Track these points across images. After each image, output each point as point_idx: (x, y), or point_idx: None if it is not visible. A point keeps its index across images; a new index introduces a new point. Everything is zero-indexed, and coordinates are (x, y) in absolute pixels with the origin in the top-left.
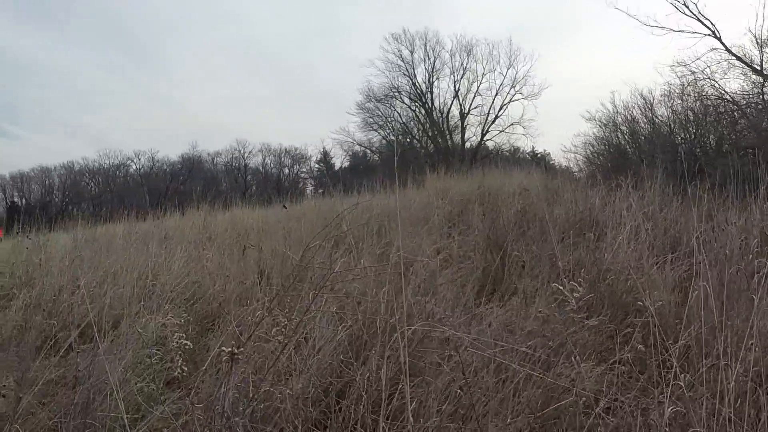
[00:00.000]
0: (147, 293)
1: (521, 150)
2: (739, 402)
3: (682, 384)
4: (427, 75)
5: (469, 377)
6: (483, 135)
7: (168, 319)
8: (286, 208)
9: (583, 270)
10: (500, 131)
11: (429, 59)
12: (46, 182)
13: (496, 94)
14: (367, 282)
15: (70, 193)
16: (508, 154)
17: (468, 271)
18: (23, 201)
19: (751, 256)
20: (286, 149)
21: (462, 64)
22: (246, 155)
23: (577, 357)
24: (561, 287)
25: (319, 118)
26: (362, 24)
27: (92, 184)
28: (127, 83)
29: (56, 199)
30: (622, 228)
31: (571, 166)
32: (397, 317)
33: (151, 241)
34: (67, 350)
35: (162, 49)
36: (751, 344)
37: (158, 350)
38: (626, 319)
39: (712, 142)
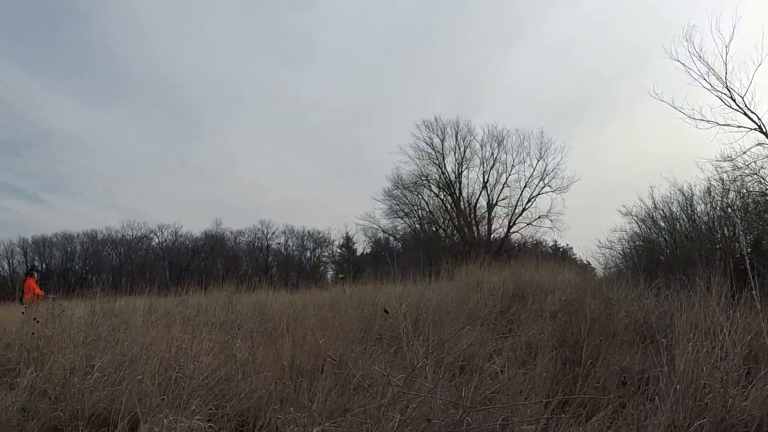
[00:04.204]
0: (170, 384)
1: (543, 244)
2: None
3: None
4: (456, 164)
5: None
6: (509, 227)
7: (196, 421)
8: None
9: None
10: (527, 224)
11: (459, 149)
12: (68, 249)
13: (525, 186)
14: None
15: (91, 262)
16: (530, 247)
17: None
18: (43, 266)
19: None
20: (309, 232)
21: (492, 154)
22: (269, 236)
23: None
24: None
25: (345, 204)
26: (396, 113)
27: (114, 254)
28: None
29: (77, 266)
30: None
31: (591, 261)
32: None
33: (173, 322)
34: None
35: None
36: None
37: None
38: None
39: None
